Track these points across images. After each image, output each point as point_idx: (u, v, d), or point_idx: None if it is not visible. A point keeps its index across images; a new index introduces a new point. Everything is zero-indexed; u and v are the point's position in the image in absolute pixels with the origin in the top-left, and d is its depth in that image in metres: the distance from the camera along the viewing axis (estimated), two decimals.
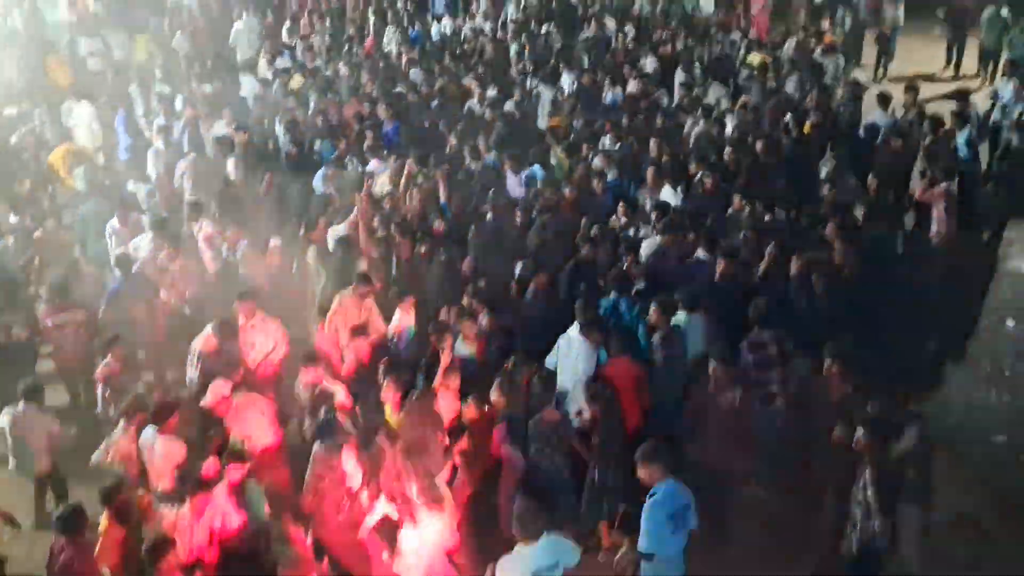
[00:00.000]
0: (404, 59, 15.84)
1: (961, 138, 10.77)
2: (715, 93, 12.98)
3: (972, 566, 6.47)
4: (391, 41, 17.51)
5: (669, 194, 9.58)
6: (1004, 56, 14.35)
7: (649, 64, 14.56)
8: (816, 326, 7.23)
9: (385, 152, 11.27)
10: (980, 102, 12.76)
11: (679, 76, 13.76)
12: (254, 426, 6.89)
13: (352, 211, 9.55)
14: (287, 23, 19.22)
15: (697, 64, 14.43)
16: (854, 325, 7.32)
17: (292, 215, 10.32)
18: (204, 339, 7.66)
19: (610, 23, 17.42)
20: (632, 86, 13.47)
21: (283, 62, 16.06)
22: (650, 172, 9.91)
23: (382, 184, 10.48)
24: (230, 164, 11.40)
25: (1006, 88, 12.11)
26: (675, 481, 5.33)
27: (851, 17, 17.68)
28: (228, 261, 9.28)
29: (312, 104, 13.52)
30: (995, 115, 12.06)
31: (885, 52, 16.76)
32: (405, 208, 9.91)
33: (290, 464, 7.04)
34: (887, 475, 5.52)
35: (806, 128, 11.29)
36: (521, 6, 19.54)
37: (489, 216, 9.35)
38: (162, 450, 6.47)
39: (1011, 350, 8.96)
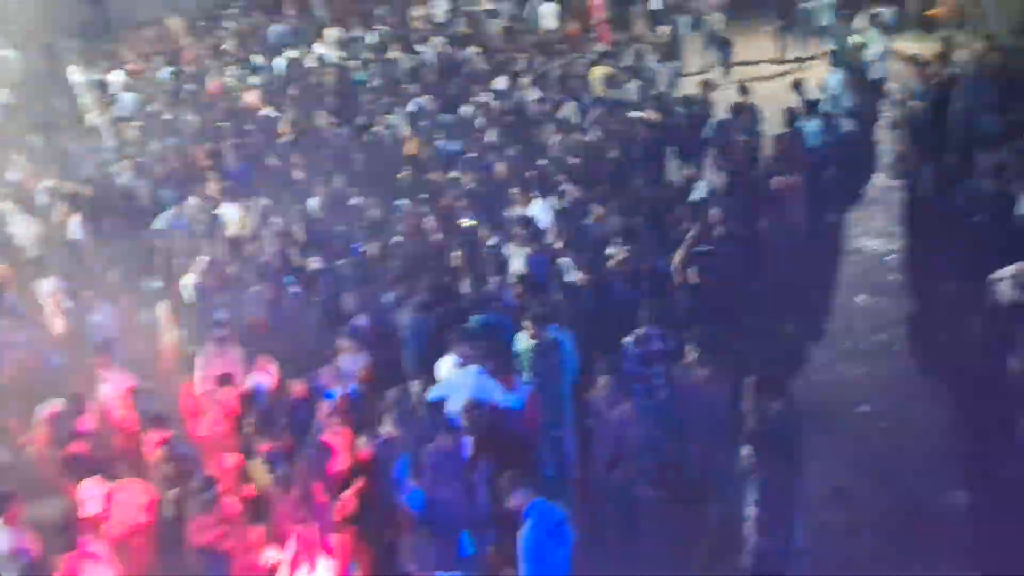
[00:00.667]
0: (247, 96, 15.47)
1: (812, 125, 11.32)
2: (569, 108, 13.22)
3: (852, 535, 6.75)
4: (232, 78, 17.10)
5: (538, 208, 9.64)
6: (832, 51, 15.23)
7: (502, 82, 14.71)
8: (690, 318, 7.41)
9: (235, 194, 10.93)
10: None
11: (533, 93, 13.97)
12: (124, 512, 6.47)
13: (204, 258, 9.20)
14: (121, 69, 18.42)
15: (549, 79, 14.65)
16: (723, 314, 7.58)
17: (140, 266, 9.88)
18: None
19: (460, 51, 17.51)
20: (487, 101, 13.58)
21: (121, 110, 15.37)
22: (516, 190, 9.97)
23: (234, 227, 10.15)
24: (73, 219, 10.81)
25: (834, 78, 12.82)
26: (543, 500, 5.40)
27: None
28: (79, 320, 8.77)
29: (154, 149, 13.00)
30: (826, 105, 12.73)
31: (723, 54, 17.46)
32: (261, 251, 9.59)
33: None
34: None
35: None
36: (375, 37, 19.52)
37: (356, 250, 9.17)
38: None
39: (865, 324, 9.47)
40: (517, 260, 8.54)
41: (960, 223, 10.25)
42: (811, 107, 11.62)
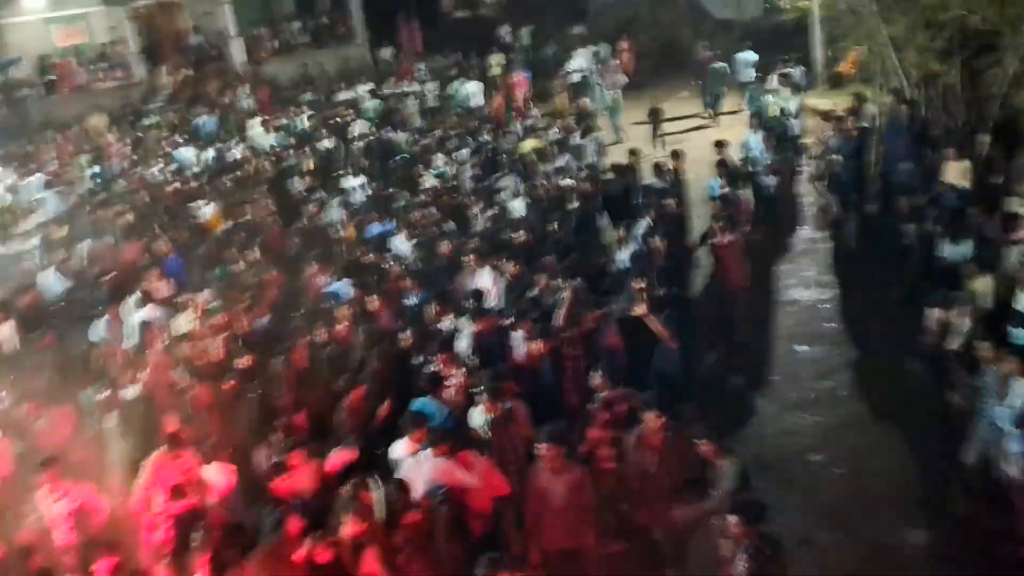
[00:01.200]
0: (175, 188, 15.39)
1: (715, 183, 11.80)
2: (507, 182, 13.48)
3: None
4: (160, 172, 17.03)
5: (486, 280, 9.72)
6: (747, 110, 15.93)
7: (440, 161, 14.92)
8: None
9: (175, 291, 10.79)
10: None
11: (468, 171, 14.23)
12: None
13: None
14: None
15: (484, 156, 14.95)
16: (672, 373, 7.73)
17: (76, 375, 9.54)
18: None
19: (390, 133, 17.78)
20: (428, 182, 13.76)
21: (41, 216, 15.11)
22: (463, 261, 10.03)
23: (176, 327, 9.98)
24: (4, 328, 10.51)
25: (754, 139, 13.36)
26: None
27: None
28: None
29: (84, 250, 12.79)
30: (748, 165, 13.23)
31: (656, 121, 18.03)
32: (203, 350, 9.42)
33: None
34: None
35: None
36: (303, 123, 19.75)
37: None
38: None
39: (809, 373, 9.71)
40: (465, 337, 8.59)
41: (886, 268, 10.73)
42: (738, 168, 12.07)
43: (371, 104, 21.27)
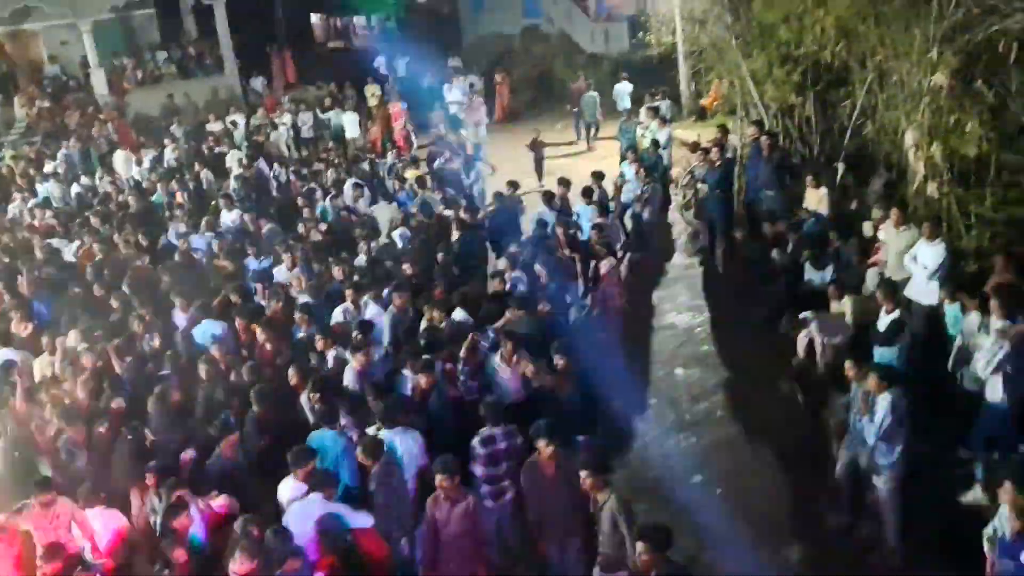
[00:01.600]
0: (37, 225, 14.61)
1: (585, 215, 12.07)
2: (386, 211, 13.40)
3: None
4: (17, 209, 16.14)
5: (372, 312, 9.61)
6: (623, 143, 16.42)
7: (319, 194, 14.67)
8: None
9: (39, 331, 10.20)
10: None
11: (348, 202, 14.09)
12: None
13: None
14: None
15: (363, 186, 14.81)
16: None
17: None
18: None
19: (263, 164, 17.41)
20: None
21: None
22: (349, 293, 9.90)
23: (40, 370, 9.43)
24: None
25: (629, 171, 13.77)
26: None
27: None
28: None
29: None
30: (623, 195, 13.62)
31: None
32: (70, 393, 8.93)
33: None
34: None
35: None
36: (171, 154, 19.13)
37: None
38: None
39: (686, 395, 10.02)
40: (350, 371, 8.46)
41: (754, 291, 11.24)
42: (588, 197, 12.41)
43: (240, 135, 20.80)
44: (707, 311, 11.79)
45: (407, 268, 10.58)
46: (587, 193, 12.44)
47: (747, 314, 11.13)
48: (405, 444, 7.13)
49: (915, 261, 9.05)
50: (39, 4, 25.86)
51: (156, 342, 9.74)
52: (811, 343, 9.25)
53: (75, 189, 17.43)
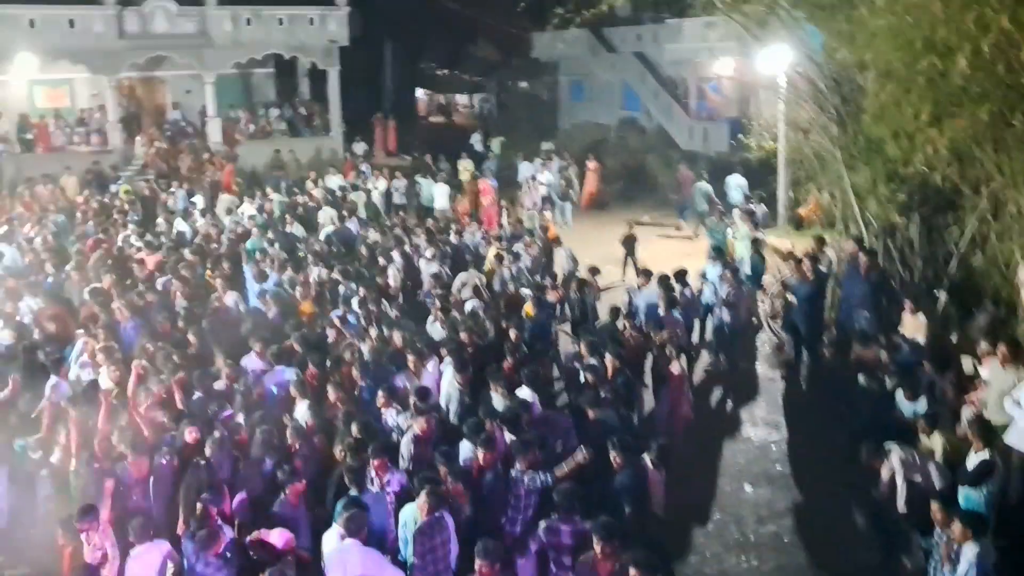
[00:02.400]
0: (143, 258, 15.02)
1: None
2: (465, 279, 13.35)
3: None
4: (125, 241, 16.66)
5: (430, 378, 9.50)
6: (710, 243, 16.15)
7: (397, 258, 14.79)
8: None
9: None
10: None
11: (430, 268, 14.11)
12: None
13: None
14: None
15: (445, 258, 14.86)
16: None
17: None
18: None
19: (352, 224, 17.73)
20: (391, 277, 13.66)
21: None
22: (411, 358, 9.80)
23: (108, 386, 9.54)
24: None
25: (713, 272, 13.46)
26: None
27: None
28: None
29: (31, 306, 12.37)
30: (705, 296, 13.30)
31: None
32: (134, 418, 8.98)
33: None
34: None
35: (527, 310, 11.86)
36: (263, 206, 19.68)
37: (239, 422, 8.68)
38: None
39: (753, 515, 9.47)
40: (408, 437, 8.27)
41: (838, 415, 10.67)
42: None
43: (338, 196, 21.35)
44: (784, 428, 11.24)
45: (469, 339, 10.43)
46: (666, 289, 12.11)
47: (828, 437, 10.56)
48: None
49: (1019, 406, 8.41)
50: (171, 55, 27.43)
51: (225, 382, 9.75)
52: (893, 478, 8.65)
53: (178, 227, 18.00)
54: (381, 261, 14.60)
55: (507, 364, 9.74)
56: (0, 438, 8.72)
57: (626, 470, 7.52)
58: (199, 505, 7.08)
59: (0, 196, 21.06)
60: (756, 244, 14.54)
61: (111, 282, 13.12)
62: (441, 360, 9.79)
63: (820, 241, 13.90)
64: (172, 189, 21.68)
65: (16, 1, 25.15)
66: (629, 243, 17.26)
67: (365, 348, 10.43)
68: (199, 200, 20.93)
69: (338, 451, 8.06)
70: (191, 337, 10.95)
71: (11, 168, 25.16)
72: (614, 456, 7.58)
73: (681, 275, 12.90)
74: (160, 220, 18.59)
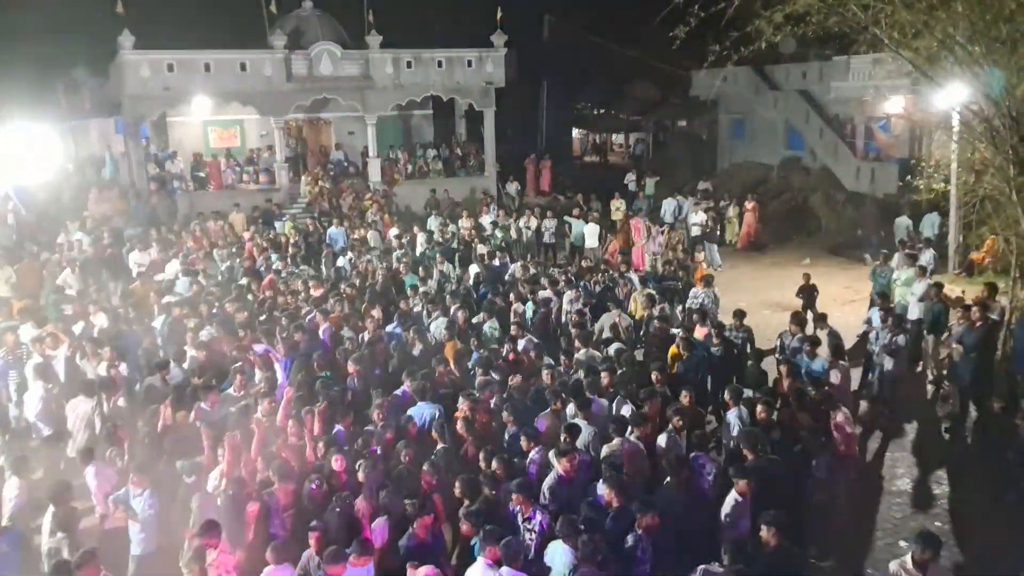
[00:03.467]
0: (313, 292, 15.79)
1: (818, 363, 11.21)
2: (607, 320, 13.30)
3: None
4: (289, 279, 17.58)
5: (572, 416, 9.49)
6: (874, 287, 15.42)
7: (543, 294, 14.90)
8: None
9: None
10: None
11: (570, 303, 14.18)
12: None
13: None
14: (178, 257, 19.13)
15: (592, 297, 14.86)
16: None
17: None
18: None
19: (498, 259, 18.08)
20: (528, 309, 13.83)
21: (172, 297, 15.68)
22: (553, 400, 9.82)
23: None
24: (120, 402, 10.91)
25: (876, 317, 12.83)
26: None
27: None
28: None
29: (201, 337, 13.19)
30: (869, 343, 12.69)
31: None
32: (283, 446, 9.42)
33: None
34: None
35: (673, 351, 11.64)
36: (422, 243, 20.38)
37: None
38: None
39: None
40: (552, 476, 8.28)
41: (1004, 472, 9.89)
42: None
43: (488, 233, 21.85)
44: (947, 484, 10.50)
45: (606, 379, 10.36)
46: (813, 341, 11.56)
47: (993, 497, 9.79)
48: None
49: None
50: (336, 97, 28.93)
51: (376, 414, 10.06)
52: None
53: (339, 262, 18.87)
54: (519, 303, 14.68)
55: (650, 406, 9.62)
56: (156, 464, 9.23)
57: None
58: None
59: (173, 231, 22.56)
60: (937, 289, 13.74)
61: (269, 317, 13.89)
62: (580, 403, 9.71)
63: (992, 288, 13.00)
64: (332, 227, 22.67)
65: (193, 47, 27.22)
66: (808, 294, 15.80)
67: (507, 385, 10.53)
68: (372, 236, 21.70)
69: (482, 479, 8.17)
70: (350, 367, 11.35)
71: (185, 204, 27.12)
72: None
73: (822, 319, 12.48)
74: (323, 256, 19.50)
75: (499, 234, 21.59)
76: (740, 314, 12.65)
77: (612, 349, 11.93)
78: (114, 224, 23.85)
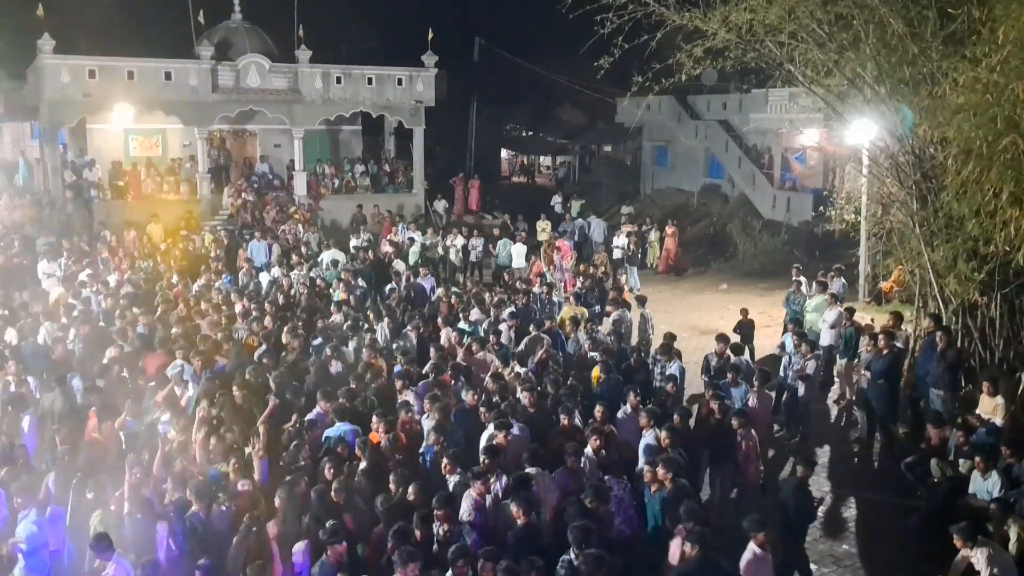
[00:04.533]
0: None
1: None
2: (532, 345, 13.36)
3: None
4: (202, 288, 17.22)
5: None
6: (788, 314, 15.88)
7: (474, 314, 14.89)
8: None
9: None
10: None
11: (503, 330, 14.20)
12: None
13: None
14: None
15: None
16: None
17: None
18: None
19: (426, 281, 18.05)
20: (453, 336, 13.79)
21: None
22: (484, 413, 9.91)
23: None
24: None
25: (789, 343, 13.23)
26: None
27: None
28: None
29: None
30: (782, 369, 13.09)
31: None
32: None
33: None
34: None
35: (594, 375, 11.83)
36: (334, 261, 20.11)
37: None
38: None
39: None
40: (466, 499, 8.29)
41: (908, 494, 10.31)
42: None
43: (415, 249, 21.83)
44: (854, 507, 10.89)
45: (526, 399, 10.44)
46: (730, 366, 11.86)
47: (897, 519, 10.20)
48: None
49: None
50: (263, 110, 28.59)
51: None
52: (970, 567, 8.23)
53: (264, 279, 18.47)
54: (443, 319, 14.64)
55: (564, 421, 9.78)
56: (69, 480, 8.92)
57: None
58: None
59: (88, 240, 21.87)
60: (849, 313, 14.19)
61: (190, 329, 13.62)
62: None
63: (897, 317, 13.57)
64: (254, 241, 22.24)
65: (117, 54, 26.62)
66: (748, 329, 15.40)
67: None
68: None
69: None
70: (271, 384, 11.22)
71: (101, 213, 26.31)
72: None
73: (737, 347, 12.79)
74: (242, 273, 19.10)
75: (420, 251, 21.62)
76: (670, 337, 12.89)
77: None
78: (26, 232, 23.04)
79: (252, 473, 8.77)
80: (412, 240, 22.59)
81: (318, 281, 17.76)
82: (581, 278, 18.59)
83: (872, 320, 15.87)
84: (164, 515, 8.13)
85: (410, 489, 8.29)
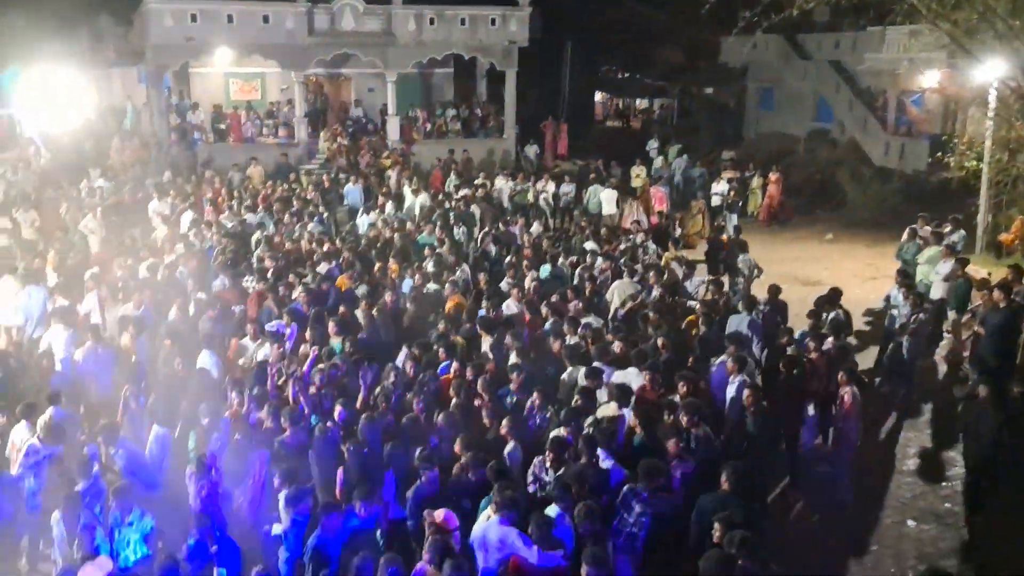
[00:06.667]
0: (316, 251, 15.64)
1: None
2: (620, 288, 13.04)
3: None
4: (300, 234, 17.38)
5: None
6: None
7: (563, 265, 14.65)
8: None
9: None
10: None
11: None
12: None
13: None
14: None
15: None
16: None
17: None
18: None
19: (516, 228, 17.82)
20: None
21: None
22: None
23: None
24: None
25: (898, 296, 12.53)
26: None
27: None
28: None
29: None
30: (888, 322, 12.43)
31: None
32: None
33: None
34: None
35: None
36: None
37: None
38: None
39: (914, 551, 8.84)
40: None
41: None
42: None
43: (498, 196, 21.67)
44: (960, 466, 10.29)
45: (617, 347, 10.24)
46: (814, 315, 11.42)
47: (1009, 480, 9.59)
48: None
49: None
50: (356, 53, 28.63)
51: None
52: None
53: (363, 222, 18.56)
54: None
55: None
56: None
57: None
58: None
59: (192, 182, 22.54)
60: (962, 264, 13.39)
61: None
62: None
63: (1017, 270, 12.66)
64: (349, 184, 22.42)
65: None
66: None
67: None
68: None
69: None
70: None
71: (204, 155, 27.07)
72: None
73: (832, 297, 12.08)
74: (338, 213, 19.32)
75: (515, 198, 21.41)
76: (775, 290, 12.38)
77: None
78: (135, 173, 23.84)
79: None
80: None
81: (408, 224, 17.75)
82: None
83: (989, 274, 14.96)
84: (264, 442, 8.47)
85: (503, 423, 8.33)
